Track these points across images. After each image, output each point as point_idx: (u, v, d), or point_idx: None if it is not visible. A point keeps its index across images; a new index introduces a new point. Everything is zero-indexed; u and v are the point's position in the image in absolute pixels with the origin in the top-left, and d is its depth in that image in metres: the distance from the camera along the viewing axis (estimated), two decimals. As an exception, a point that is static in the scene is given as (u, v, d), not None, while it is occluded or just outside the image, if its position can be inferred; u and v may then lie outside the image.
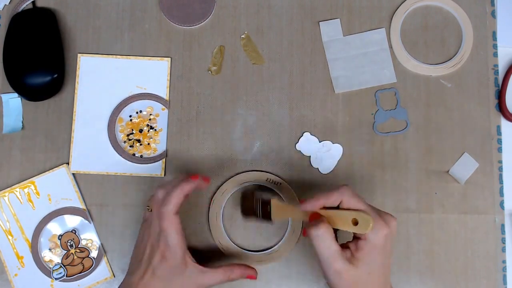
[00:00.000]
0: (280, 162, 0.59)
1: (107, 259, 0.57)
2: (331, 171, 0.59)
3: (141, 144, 0.59)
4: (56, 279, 0.56)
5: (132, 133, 0.59)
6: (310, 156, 0.59)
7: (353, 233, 0.47)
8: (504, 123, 0.60)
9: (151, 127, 0.59)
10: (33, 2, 0.60)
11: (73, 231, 0.57)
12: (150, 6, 0.61)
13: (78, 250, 0.57)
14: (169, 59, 0.60)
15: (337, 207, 0.47)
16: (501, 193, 0.59)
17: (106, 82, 0.59)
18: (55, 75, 0.57)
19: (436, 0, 0.61)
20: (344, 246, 0.47)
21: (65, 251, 0.57)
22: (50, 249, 0.57)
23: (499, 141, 0.59)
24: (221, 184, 0.58)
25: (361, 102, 0.60)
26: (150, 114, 0.59)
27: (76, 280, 0.57)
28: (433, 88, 0.60)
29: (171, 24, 0.60)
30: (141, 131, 0.59)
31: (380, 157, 0.59)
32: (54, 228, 0.57)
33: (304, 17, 0.61)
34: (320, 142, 0.59)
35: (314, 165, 0.59)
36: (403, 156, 0.59)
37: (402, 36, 0.61)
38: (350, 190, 0.47)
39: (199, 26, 0.61)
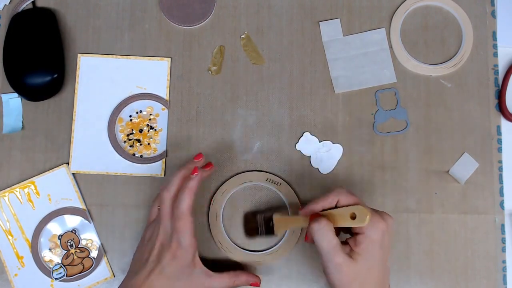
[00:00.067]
0: (280, 162, 0.59)
1: (107, 259, 0.57)
2: (331, 171, 0.59)
3: (141, 144, 0.59)
4: (56, 279, 0.56)
5: (132, 133, 0.59)
6: (310, 156, 0.59)
7: (352, 230, 0.48)
8: (504, 123, 0.60)
9: (151, 127, 0.59)
10: (33, 2, 0.60)
11: (73, 231, 0.57)
12: (150, 6, 0.61)
13: (78, 250, 0.57)
14: (169, 59, 0.60)
15: (335, 207, 0.49)
16: (501, 193, 0.59)
17: (106, 82, 0.59)
18: (55, 75, 0.57)
19: (436, 0, 0.61)
20: (343, 243, 0.48)
21: (65, 251, 0.57)
22: (50, 249, 0.57)
23: (499, 141, 0.59)
24: (221, 184, 0.58)
25: (361, 102, 0.60)
26: (150, 114, 0.59)
27: (76, 280, 0.57)
28: (433, 88, 0.60)
29: (171, 24, 0.60)
30: (141, 131, 0.59)
31: (380, 157, 0.59)
32: (54, 228, 0.57)
33: (304, 17, 0.61)
34: (320, 142, 0.59)
35: (314, 165, 0.59)
36: (403, 156, 0.59)
37: (402, 36, 0.61)
38: (345, 189, 0.49)
39: (199, 26, 0.61)
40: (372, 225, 0.46)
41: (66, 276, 0.57)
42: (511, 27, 0.61)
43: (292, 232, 0.57)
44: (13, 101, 0.59)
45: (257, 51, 0.60)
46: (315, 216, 0.49)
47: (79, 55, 0.60)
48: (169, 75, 0.60)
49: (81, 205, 0.57)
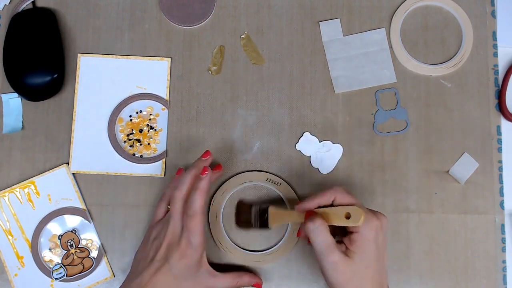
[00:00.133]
0: (280, 162, 0.59)
1: (107, 259, 0.57)
2: (331, 171, 0.59)
3: (141, 144, 0.59)
4: (56, 279, 0.56)
5: (132, 133, 0.59)
6: (310, 156, 0.59)
7: (347, 229, 0.48)
8: (504, 123, 0.60)
9: (151, 127, 0.59)
10: (33, 2, 0.60)
11: (73, 231, 0.57)
12: (150, 6, 0.61)
13: (78, 250, 0.57)
14: (169, 59, 0.60)
15: (331, 206, 0.49)
16: (501, 193, 0.59)
17: (106, 82, 0.59)
18: (55, 75, 0.57)
19: (436, 0, 0.61)
20: (339, 242, 0.48)
21: (65, 251, 0.57)
22: (50, 249, 0.57)
23: (499, 141, 0.59)
24: (221, 184, 0.58)
25: (361, 102, 0.60)
26: (150, 114, 0.59)
27: (76, 280, 0.57)
28: (433, 88, 0.60)
29: (171, 24, 0.60)
30: (141, 131, 0.59)
31: (380, 157, 0.59)
32: (54, 228, 0.57)
33: (304, 17, 0.61)
34: (320, 142, 0.59)
35: (314, 165, 0.59)
36: (403, 156, 0.59)
37: (402, 36, 0.61)
38: (342, 188, 0.49)
39: (199, 26, 0.61)
40: (366, 224, 0.46)
41: (66, 276, 0.57)
42: (511, 27, 0.61)
43: (292, 232, 0.57)
44: (13, 101, 0.59)
45: (257, 51, 0.60)
46: (311, 214, 0.49)
47: (79, 55, 0.60)
48: (169, 75, 0.60)
49: (81, 205, 0.57)
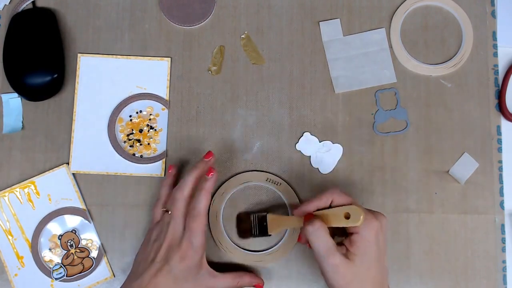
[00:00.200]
0: (280, 162, 0.59)
1: (107, 259, 0.57)
2: (331, 171, 0.59)
3: (141, 144, 0.59)
4: (56, 279, 0.56)
5: (132, 133, 0.59)
6: (310, 156, 0.59)
7: (346, 230, 0.48)
8: (504, 123, 0.60)
9: (151, 127, 0.59)
10: (33, 2, 0.60)
11: (73, 231, 0.57)
12: (150, 6, 0.61)
13: (78, 250, 0.57)
14: (169, 59, 0.60)
15: (329, 207, 0.49)
16: (501, 193, 0.59)
17: (106, 82, 0.59)
18: (55, 75, 0.57)
19: (436, 0, 0.61)
20: (339, 244, 0.48)
21: (65, 251, 0.57)
22: (50, 249, 0.57)
23: (499, 141, 0.59)
24: (221, 184, 0.58)
25: (361, 102, 0.60)
26: (150, 114, 0.59)
27: (76, 280, 0.57)
28: (433, 88, 0.60)
29: (171, 24, 0.60)
30: (141, 131, 0.59)
31: (380, 157, 0.59)
32: (54, 228, 0.57)
33: (304, 17, 0.61)
34: (320, 142, 0.59)
35: (314, 165, 0.59)
36: (403, 156, 0.59)
37: (402, 36, 0.61)
38: (339, 189, 0.49)
39: (199, 26, 0.61)
40: (366, 225, 0.46)
41: (66, 276, 0.57)
42: (511, 27, 0.61)
43: (292, 232, 0.57)
44: (13, 101, 0.59)
45: (257, 51, 0.60)
46: (309, 217, 0.49)
47: (79, 55, 0.60)
48: (169, 75, 0.60)
49: (81, 205, 0.57)
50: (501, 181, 0.59)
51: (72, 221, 0.57)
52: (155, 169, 0.58)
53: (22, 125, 0.59)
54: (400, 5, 0.61)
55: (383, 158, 0.59)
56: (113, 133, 0.59)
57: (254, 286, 0.54)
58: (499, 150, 0.59)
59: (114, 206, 0.58)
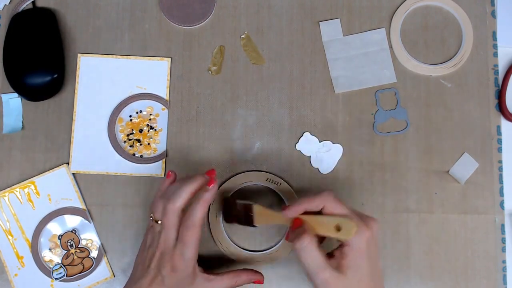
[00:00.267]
0: (280, 162, 0.59)
1: (107, 259, 0.57)
2: (331, 171, 0.59)
3: (141, 144, 0.59)
4: (56, 279, 0.56)
5: (132, 133, 0.59)
6: (310, 156, 0.59)
7: (338, 240, 0.46)
8: (504, 123, 0.60)
9: (151, 127, 0.59)
10: (33, 2, 0.60)
11: (73, 231, 0.57)
12: (150, 6, 0.61)
13: (78, 250, 0.57)
14: (169, 59, 0.60)
15: (320, 212, 0.47)
16: (501, 193, 0.59)
17: (106, 82, 0.59)
18: (55, 75, 0.57)
19: (436, 0, 0.61)
20: (330, 255, 0.46)
21: (65, 251, 0.57)
22: (50, 249, 0.57)
23: (499, 141, 0.59)
24: (221, 184, 0.58)
25: (361, 102, 0.60)
26: (150, 114, 0.59)
27: (76, 280, 0.57)
28: (433, 88, 0.60)
29: (171, 24, 0.60)
30: (141, 131, 0.59)
31: (380, 157, 0.59)
32: (54, 228, 0.57)
33: (304, 17, 0.61)
34: (320, 142, 0.59)
35: (314, 165, 0.59)
36: (403, 156, 0.59)
37: (402, 36, 0.61)
38: (332, 195, 0.47)
39: (199, 26, 0.61)
40: (357, 236, 0.44)
41: (66, 276, 0.57)
42: (511, 27, 0.61)
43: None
44: (13, 101, 0.59)
45: (257, 51, 0.60)
46: (298, 222, 0.47)
47: (79, 55, 0.60)
48: (169, 75, 0.60)
49: (81, 205, 0.57)
50: (501, 181, 0.59)
51: (72, 221, 0.57)
52: (155, 169, 0.58)
53: (22, 125, 0.59)
54: (400, 5, 0.61)
55: (383, 158, 0.59)
56: (113, 133, 0.59)
57: (254, 282, 0.53)
58: (499, 150, 0.59)
59: (114, 206, 0.58)
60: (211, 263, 0.57)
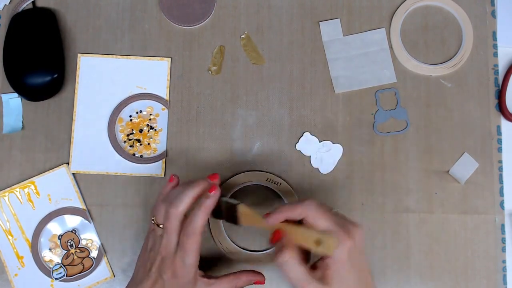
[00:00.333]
0: (280, 162, 0.59)
1: (107, 259, 0.57)
2: (331, 171, 0.59)
3: (141, 144, 0.59)
4: (56, 279, 0.56)
5: (132, 133, 0.59)
6: (310, 156, 0.59)
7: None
8: (504, 123, 0.60)
9: (151, 127, 0.59)
10: (33, 2, 0.60)
11: (73, 231, 0.57)
12: (150, 6, 0.61)
13: (78, 250, 0.57)
14: (169, 59, 0.60)
15: (302, 221, 0.46)
16: (501, 193, 0.59)
17: (106, 82, 0.59)
18: (55, 75, 0.57)
19: (436, 0, 0.61)
20: (314, 267, 0.46)
21: (65, 251, 0.57)
22: (50, 249, 0.57)
23: (499, 141, 0.59)
24: (221, 184, 0.58)
25: (361, 102, 0.60)
26: (150, 114, 0.59)
27: (76, 280, 0.57)
28: (433, 88, 0.60)
29: (171, 24, 0.60)
30: (141, 131, 0.59)
31: (380, 157, 0.59)
32: (54, 228, 0.57)
33: (304, 17, 0.61)
34: (320, 142, 0.59)
35: (314, 165, 0.59)
36: (403, 156, 0.59)
37: (402, 36, 0.61)
38: (314, 204, 0.46)
39: (199, 26, 0.61)
40: (338, 247, 0.44)
41: (66, 276, 0.57)
42: (511, 27, 0.61)
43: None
44: (13, 101, 0.59)
45: (257, 51, 0.60)
46: (278, 235, 0.46)
47: (79, 55, 0.60)
48: (169, 75, 0.60)
49: (81, 205, 0.57)
50: (501, 181, 0.59)
51: (72, 221, 0.57)
52: (155, 169, 0.58)
53: (22, 125, 0.59)
54: (400, 5, 0.61)
55: (383, 158, 0.59)
56: (113, 133, 0.59)
57: (254, 283, 0.52)
58: (499, 150, 0.59)
59: (114, 206, 0.58)
60: (211, 263, 0.57)
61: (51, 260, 0.57)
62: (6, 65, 0.57)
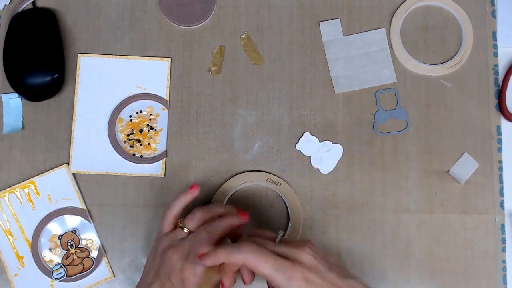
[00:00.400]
0: (280, 162, 0.59)
1: (107, 259, 0.57)
2: (331, 171, 0.59)
3: (141, 144, 0.59)
4: (56, 279, 0.56)
5: (132, 133, 0.59)
6: (310, 156, 0.59)
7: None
8: (504, 123, 0.60)
9: (151, 127, 0.59)
10: (33, 2, 0.60)
11: (73, 231, 0.57)
12: (150, 6, 0.61)
13: (78, 250, 0.57)
14: (169, 59, 0.60)
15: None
16: (501, 193, 0.59)
17: (106, 82, 0.59)
18: (55, 75, 0.57)
19: (436, 0, 0.61)
20: None
21: (65, 251, 0.57)
22: (50, 249, 0.57)
23: (499, 141, 0.59)
24: (221, 184, 0.58)
25: (361, 102, 0.60)
26: (150, 114, 0.59)
27: (76, 280, 0.57)
28: (433, 88, 0.60)
29: (171, 24, 0.60)
30: (141, 131, 0.59)
31: (380, 157, 0.59)
32: (54, 228, 0.57)
33: (304, 17, 0.61)
34: (320, 142, 0.59)
35: (314, 165, 0.59)
36: (403, 156, 0.59)
37: (402, 36, 0.61)
38: (251, 249, 0.43)
39: (199, 26, 0.61)
40: (287, 278, 0.42)
41: (66, 276, 0.57)
42: (511, 27, 0.61)
43: (292, 232, 0.57)
44: (13, 101, 0.59)
45: (257, 51, 0.60)
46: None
47: (79, 55, 0.60)
48: (169, 75, 0.60)
49: (81, 205, 0.57)
50: (501, 181, 0.59)
51: (72, 221, 0.57)
52: (155, 169, 0.58)
53: (22, 125, 0.59)
54: (400, 5, 0.61)
55: (383, 158, 0.59)
56: (113, 133, 0.59)
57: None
58: (499, 150, 0.59)
59: (114, 206, 0.58)
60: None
61: (51, 260, 0.57)
62: (6, 65, 0.57)
